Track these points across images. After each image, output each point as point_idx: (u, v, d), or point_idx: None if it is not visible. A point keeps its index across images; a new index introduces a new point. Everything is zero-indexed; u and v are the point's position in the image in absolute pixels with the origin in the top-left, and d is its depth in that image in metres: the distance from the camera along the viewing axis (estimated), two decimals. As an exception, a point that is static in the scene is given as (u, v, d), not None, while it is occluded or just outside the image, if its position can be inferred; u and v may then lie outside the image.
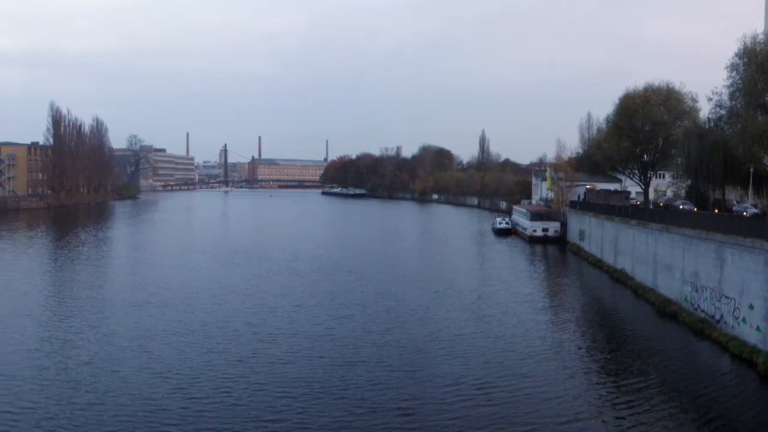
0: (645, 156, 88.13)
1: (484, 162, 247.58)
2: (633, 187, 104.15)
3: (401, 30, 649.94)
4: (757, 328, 36.99)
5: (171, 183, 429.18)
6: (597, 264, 77.25)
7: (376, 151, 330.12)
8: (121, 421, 27.42)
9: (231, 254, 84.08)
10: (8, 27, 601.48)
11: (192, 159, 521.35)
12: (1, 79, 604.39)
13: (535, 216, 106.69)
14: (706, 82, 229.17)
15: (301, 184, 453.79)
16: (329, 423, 27.68)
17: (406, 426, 27.72)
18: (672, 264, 52.80)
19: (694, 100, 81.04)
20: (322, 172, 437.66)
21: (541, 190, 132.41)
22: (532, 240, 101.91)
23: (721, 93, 60.71)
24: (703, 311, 45.44)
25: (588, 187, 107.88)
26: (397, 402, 30.24)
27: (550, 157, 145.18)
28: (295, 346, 39.67)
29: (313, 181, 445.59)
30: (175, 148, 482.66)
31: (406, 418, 28.38)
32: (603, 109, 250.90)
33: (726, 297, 41.78)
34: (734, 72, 57.60)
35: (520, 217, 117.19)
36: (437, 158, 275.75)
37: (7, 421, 26.83)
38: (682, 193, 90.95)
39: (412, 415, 28.77)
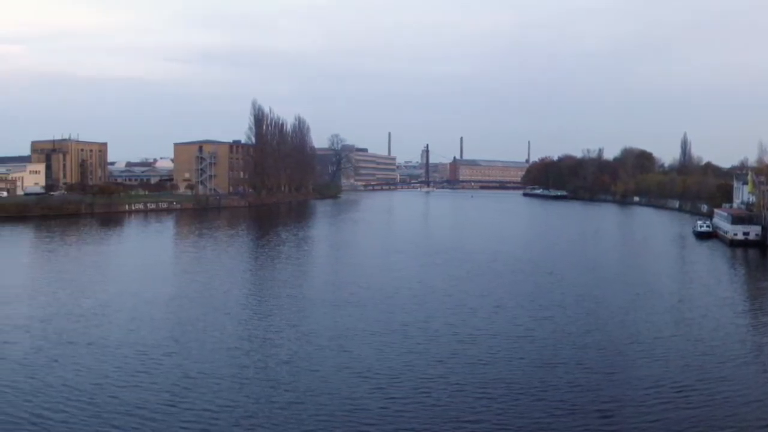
0: None
1: (686, 165, 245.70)
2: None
3: (604, 32, 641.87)
4: None
5: (372, 183, 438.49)
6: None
7: (577, 153, 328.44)
8: (320, 420, 28.20)
9: (431, 254, 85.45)
10: (212, 25, 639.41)
11: (394, 159, 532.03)
12: (204, 77, 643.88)
13: (736, 219, 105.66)
14: None
15: (502, 185, 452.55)
16: (528, 424, 27.98)
17: (605, 428, 27.89)
18: None
19: None
20: (523, 173, 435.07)
21: (743, 194, 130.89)
22: (733, 243, 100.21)
23: None
24: None
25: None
26: (596, 404, 30.41)
27: (752, 160, 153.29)
28: (495, 347, 40.06)
29: (514, 182, 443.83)
30: (376, 147, 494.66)
31: (605, 420, 28.59)
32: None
33: None
34: None
35: (720, 220, 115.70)
36: (639, 160, 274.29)
37: (207, 419, 28.08)
38: None
39: (611, 417, 28.96)
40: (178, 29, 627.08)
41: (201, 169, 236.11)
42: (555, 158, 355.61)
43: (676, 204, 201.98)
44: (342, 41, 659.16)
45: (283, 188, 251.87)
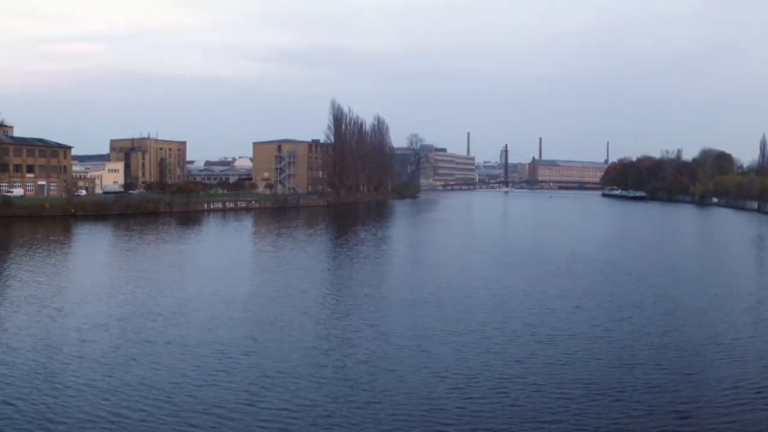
0: None
1: (764, 166, 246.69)
2: None
3: (683, 33, 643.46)
4: None
5: (451, 182, 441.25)
6: None
7: (656, 154, 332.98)
8: (397, 420, 28.30)
9: (510, 254, 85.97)
10: (291, 25, 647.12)
11: (472, 159, 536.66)
12: (282, 76, 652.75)
13: None
14: None
15: (580, 186, 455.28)
16: (606, 425, 27.98)
17: (682, 429, 27.75)
18: None
19: None
20: (601, 173, 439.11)
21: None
22: None
23: None
24: None
25: None
26: (673, 405, 30.20)
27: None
28: (572, 347, 39.98)
29: (592, 183, 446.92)
30: (455, 147, 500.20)
31: (683, 421, 28.40)
32: None
33: None
34: None
35: None
36: (717, 162, 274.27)
37: (285, 418, 28.28)
38: None
39: (688, 418, 28.77)
40: (257, 28, 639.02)
41: (280, 169, 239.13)
42: (634, 159, 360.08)
43: (755, 205, 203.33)
44: (422, 41, 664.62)
45: (361, 188, 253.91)
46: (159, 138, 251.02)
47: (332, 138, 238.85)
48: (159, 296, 54.34)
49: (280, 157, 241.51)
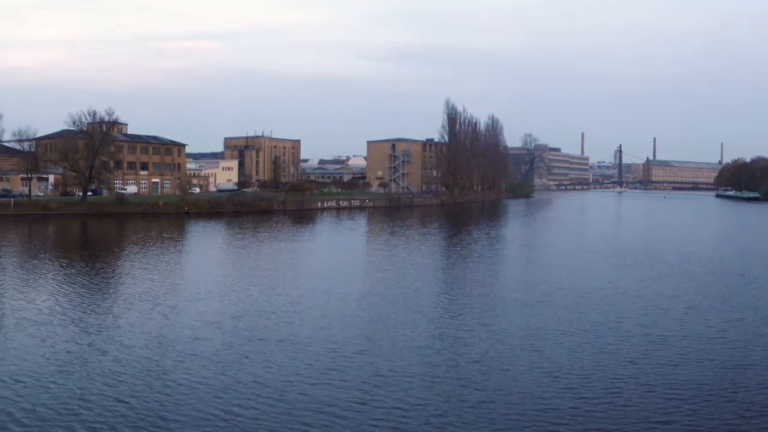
0: None
1: None
2: None
3: None
4: None
5: (564, 182, 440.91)
6: None
7: None
8: (510, 419, 28.20)
9: (623, 255, 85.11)
10: (406, 24, 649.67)
11: (586, 159, 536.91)
12: (397, 75, 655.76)
13: None
14: None
15: (694, 186, 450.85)
16: (718, 426, 27.68)
17: None
18: None
19: None
20: (715, 174, 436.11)
21: None
22: None
23: None
24: None
25: None
26: None
27: None
28: (685, 348, 39.56)
29: (706, 184, 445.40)
30: (569, 147, 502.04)
31: None
32: None
33: None
34: None
35: None
36: None
37: (397, 417, 28.26)
38: None
39: None
40: (372, 27, 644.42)
41: (394, 167, 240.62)
42: (747, 160, 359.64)
43: None
44: (538, 40, 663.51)
45: (475, 187, 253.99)
46: (273, 136, 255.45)
47: (446, 137, 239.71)
48: (272, 294, 55.11)
49: (394, 155, 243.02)
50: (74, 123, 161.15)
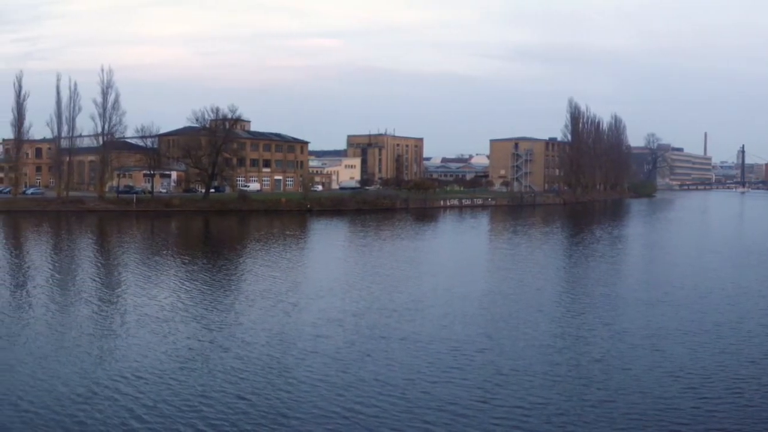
0: None
1: None
2: None
3: None
4: None
5: (687, 182, 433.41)
6: None
7: None
8: (631, 419, 27.95)
9: (746, 255, 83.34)
10: (529, 23, 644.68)
11: (709, 159, 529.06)
12: (520, 74, 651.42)
13: None
14: None
15: None
16: None
17: None
18: None
19: None
20: None
21: None
22: None
23: None
24: None
25: None
26: None
27: None
28: None
29: None
30: (692, 147, 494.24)
31: None
32: None
33: None
34: None
35: None
36: None
37: (518, 416, 28.23)
38: None
39: None
40: (495, 26, 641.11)
41: (516, 166, 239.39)
42: None
43: None
44: (662, 40, 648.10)
45: (598, 186, 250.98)
46: (396, 134, 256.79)
47: (569, 136, 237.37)
48: (394, 292, 55.43)
49: (517, 154, 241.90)
50: (197, 120, 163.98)
